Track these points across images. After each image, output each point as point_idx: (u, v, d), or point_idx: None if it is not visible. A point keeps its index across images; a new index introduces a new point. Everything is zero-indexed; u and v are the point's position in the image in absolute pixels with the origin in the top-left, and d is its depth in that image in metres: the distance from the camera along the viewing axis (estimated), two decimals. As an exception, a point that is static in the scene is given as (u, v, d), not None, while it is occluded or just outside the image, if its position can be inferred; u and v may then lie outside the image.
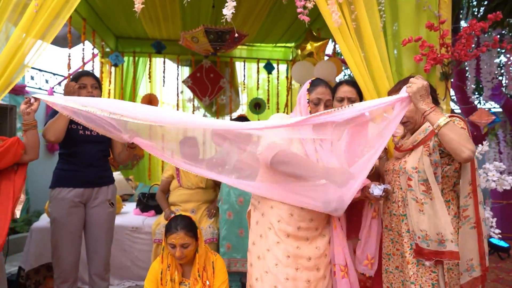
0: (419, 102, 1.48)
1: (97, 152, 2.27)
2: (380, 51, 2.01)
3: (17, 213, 1.78)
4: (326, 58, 4.62)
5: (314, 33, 4.34)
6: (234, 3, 1.83)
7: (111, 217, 2.37)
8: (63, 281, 2.22)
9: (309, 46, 4.31)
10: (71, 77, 2.36)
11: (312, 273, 1.68)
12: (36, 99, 1.80)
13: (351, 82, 2.03)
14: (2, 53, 1.95)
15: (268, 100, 5.53)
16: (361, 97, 2.01)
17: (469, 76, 4.15)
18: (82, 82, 2.24)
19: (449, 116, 1.54)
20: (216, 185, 3.29)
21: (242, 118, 3.29)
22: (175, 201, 3.21)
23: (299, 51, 4.45)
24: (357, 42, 2.00)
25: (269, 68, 5.35)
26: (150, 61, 5.29)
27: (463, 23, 4.31)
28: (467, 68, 4.20)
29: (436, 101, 1.67)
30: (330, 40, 5.66)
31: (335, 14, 1.91)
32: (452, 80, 2.07)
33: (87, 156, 2.22)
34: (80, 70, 2.54)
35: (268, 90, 5.56)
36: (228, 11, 1.81)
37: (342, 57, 7.71)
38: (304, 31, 4.53)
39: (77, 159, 2.21)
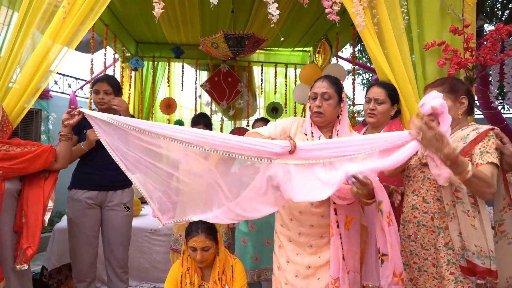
0: (437, 151, 1.28)
1: (111, 156, 2.30)
2: (402, 55, 1.99)
3: (46, 221, 1.83)
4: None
5: (328, 39, 4.35)
6: (276, 4, 1.84)
7: (127, 220, 2.40)
8: (79, 280, 2.27)
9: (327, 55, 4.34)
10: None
11: (312, 282, 1.62)
12: (80, 112, 1.81)
13: (383, 83, 2.00)
14: (29, 60, 2.02)
15: (285, 104, 5.53)
16: (392, 99, 1.97)
17: (493, 81, 4.05)
18: (96, 88, 2.32)
19: (490, 129, 1.49)
20: None
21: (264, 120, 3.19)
22: None
23: (315, 57, 4.46)
24: (379, 46, 1.99)
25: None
26: (169, 65, 5.37)
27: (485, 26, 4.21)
28: (490, 73, 4.10)
29: (471, 110, 1.61)
30: (349, 45, 5.63)
31: (359, 17, 1.92)
32: (475, 84, 2.03)
33: (103, 160, 2.25)
34: (101, 74, 2.59)
35: (286, 94, 5.55)
36: (274, 12, 1.83)
37: (360, 61, 7.65)
38: (323, 35, 4.52)
39: (93, 162, 2.26)
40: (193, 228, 1.95)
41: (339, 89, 1.69)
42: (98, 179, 2.26)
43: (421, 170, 1.61)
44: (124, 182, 2.40)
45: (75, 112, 1.82)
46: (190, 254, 1.95)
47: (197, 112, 5.46)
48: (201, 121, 2.90)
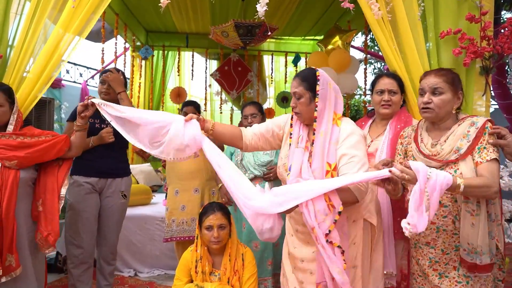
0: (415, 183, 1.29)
1: (113, 144, 2.34)
2: (417, 44, 1.95)
3: (59, 207, 1.87)
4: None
5: (338, 27, 4.27)
6: (267, 0, 1.81)
7: (123, 208, 2.47)
8: (76, 265, 2.31)
9: (338, 41, 4.25)
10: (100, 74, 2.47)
11: (305, 276, 1.62)
12: (93, 104, 1.83)
13: (392, 74, 1.98)
14: (42, 50, 2.03)
15: (295, 93, 5.49)
16: (401, 89, 1.95)
17: (510, 70, 3.94)
18: (102, 79, 2.40)
19: (486, 122, 1.48)
20: None
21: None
22: (174, 178, 2.87)
23: (323, 47, 4.39)
24: (392, 35, 1.95)
25: (296, 61, 5.30)
26: (179, 54, 5.37)
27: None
28: (507, 61, 3.99)
29: (460, 106, 1.57)
30: (361, 33, 5.54)
31: (374, 6, 1.88)
32: (491, 74, 1.98)
33: (104, 149, 2.32)
34: (106, 67, 2.63)
35: (296, 83, 5.50)
36: (261, 8, 1.80)
37: (372, 50, 7.51)
38: (334, 24, 4.45)
39: (93, 150, 2.31)
40: (208, 209, 2.02)
41: (310, 85, 1.61)
42: (99, 167, 2.32)
43: None
44: (123, 171, 2.47)
45: (89, 103, 1.83)
46: (205, 236, 1.98)
47: (207, 102, 5.49)
48: (192, 104, 3.03)
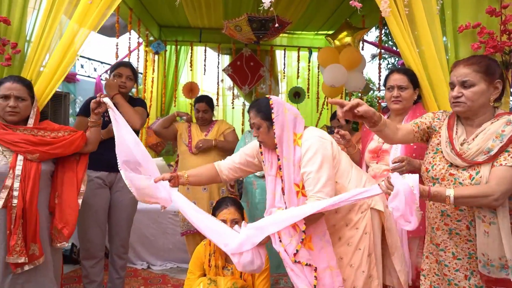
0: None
1: None
2: (434, 39, 1.92)
3: (79, 203, 1.91)
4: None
5: (349, 23, 4.20)
6: None
7: (133, 202, 2.48)
8: (87, 258, 2.36)
9: (347, 38, 4.20)
10: (110, 67, 2.47)
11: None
12: (105, 103, 1.93)
13: (402, 69, 1.98)
14: (58, 45, 2.06)
15: (308, 89, 5.45)
16: (414, 84, 1.93)
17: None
18: (118, 72, 2.39)
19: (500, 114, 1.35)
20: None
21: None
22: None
23: (333, 41, 4.33)
24: (409, 29, 1.92)
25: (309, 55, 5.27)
26: (191, 49, 5.38)
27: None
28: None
29: (501, 97, 1.40)
30: (374, 28, 5.45)
31: (384, 2, 1.85)
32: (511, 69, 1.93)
33: (113, 142, 2.33)
34: (120, 60, 2.65)
35: (308, 79, 5.46)
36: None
37: (386, 45, 7.39)
38: (345, 19, 4.39)
39: (103, 144, 2.30)
40: (222, 203, 2.03)
41: (265, 114, 1.71)
42: (108, 161, 2.29)
43: (449, 173, 1.39)
44: None
45: (102, 100, 1.88)
46: None
47: (219, 97, 5.49)
48: (204, 99, 2.98)
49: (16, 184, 1.70)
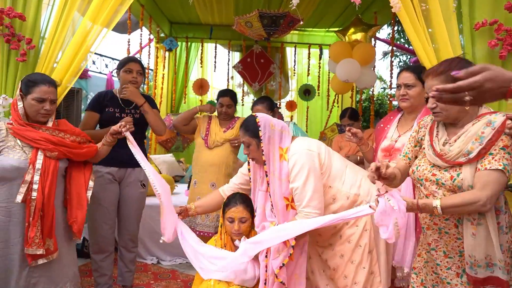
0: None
1: (132, 134, 2.36)
2: (450, 36, 1.89)
3: (88, 198, 1.93)
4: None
5: (360, 19, 4.16)
6: None
7: (142, 197, 2.50)
8: (96, 252, 2.39)
9: (358, 34, 4.16)
10: (118, 64, 2.47)
11: None
12: (126, 136, 1.98)
13: (411, 67, 1.96)
14: (71, 42, 2.08)
15: (318, 86, 5.42)
16: (423, 81, 1.90)
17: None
18: (128, 67, 2.37)
19: (506, 120, 1.28)
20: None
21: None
22: (196, 169, 2.90)
23: (344, 37, 4.29)
24: (424, 26, 1.89)
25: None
26: (202, 46, 5.38)
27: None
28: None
29: None
30: (386, 25, 5.38)
31: (394, -3, 1.83)
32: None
33: (122, 138, 2.33)
34: (128, 56, 2.64)
35: (319, 76, 5.43)
36: None
37: (398, 42, 7.29)
38: (356, 15, 4.34)
39: None
40: (231, 200, 2.02)
41: (253, 132, 1.79)
42: (118, 156, 2.33)
43: (432, 173, 1.39)
44: None
45: (123, 131, 1.95)
46: (227, 226, 2.00)
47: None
48: (229, 94, 2.94)
49: (36, 178, 1.73)
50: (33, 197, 1.72)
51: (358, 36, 4.20)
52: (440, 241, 1.42)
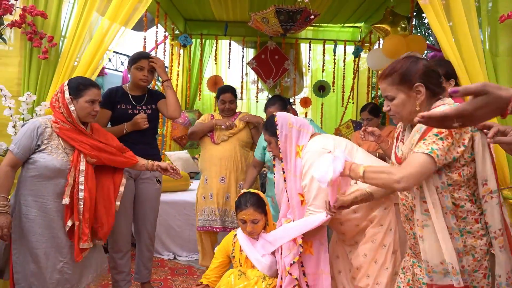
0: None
1: (144, 130, 2.37)
2: (471, 29, 1.84)
3: (118, 206, 1.96)
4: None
5: (393, 11, 4.04)
6: None
7: (158, 193, 2.50)
8: (116, 251, 2.39)
9: (387, 26, 4.06)
10: (129, 60, 2.48)
11: None
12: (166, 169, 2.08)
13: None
14: (91, 42, 2.10)
15: (333, 83, 5.37)
16: (446, 76, 1.85)
17: None
18: (140, 65, 2.38)
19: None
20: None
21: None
22: (205, 164, 2.90)
23: (382, 32, 4.18)
24: (446, 18, 1.85)
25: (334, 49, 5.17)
26: (216, 43, 5.39)
27: None
28: None
29: (436, 93, 1.31)
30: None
31: (422, -11, 1.79)
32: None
33: (136, 134, 2.34)
34: (140, 51, 2.66)
35: (334, 72, 5.37)
36: None
37: (418, 34, 7.14)
38: (376, 10, 4.27)
39: (126, 136, 2.34)
40: (242, 202, 2.02)
41: (272, 131, 1.90)
42: (134, 153, 2.34)
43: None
44: (156, 156, 2.47)
45: (169, 168, 2.09)
46: (241, 226, 2.02)
47: (243, 90, 5.49)
48: (229, 90, 2.96)
49: (81, 179, 1.79)
50: (80, 197, 1.78)
51: (399, 28, 4.06)
52: (416, 245, 1.36)
